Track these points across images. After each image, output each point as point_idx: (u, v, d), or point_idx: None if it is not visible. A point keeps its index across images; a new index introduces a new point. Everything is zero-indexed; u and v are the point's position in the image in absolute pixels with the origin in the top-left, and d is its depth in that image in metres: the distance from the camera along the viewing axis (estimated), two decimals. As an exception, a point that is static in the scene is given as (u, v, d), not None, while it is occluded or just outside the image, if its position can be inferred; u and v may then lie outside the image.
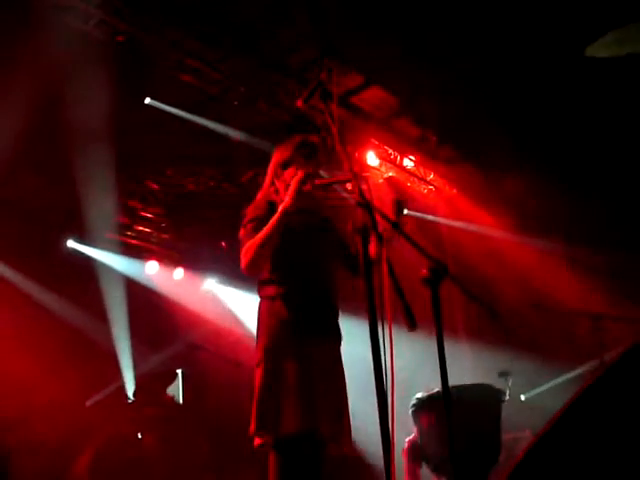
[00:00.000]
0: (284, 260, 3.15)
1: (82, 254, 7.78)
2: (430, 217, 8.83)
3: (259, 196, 3.36)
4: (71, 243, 7.76)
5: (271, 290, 3.15)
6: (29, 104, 5.51)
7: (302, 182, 3.02)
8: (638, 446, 1.63)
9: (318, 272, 3.21)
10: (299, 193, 3.01)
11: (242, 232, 3.23)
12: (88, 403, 6.15)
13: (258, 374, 3.06)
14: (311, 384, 2.99)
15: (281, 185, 3.26)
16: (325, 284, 3.23)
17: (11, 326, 6.47)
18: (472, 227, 8.48)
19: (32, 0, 5.04)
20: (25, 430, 5.63)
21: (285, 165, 3.26)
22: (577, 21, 5.50)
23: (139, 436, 5.95)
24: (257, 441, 3.01)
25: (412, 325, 2.24)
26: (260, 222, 3.12)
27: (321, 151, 3.33)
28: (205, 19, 5.71)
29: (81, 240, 7.78)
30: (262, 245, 3.03)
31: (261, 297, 3.22)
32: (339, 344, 3.25)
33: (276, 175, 3.28)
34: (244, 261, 3.09)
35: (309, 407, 2.93)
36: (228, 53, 6.13)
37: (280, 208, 3.04)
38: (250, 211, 3.26)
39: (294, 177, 3.08)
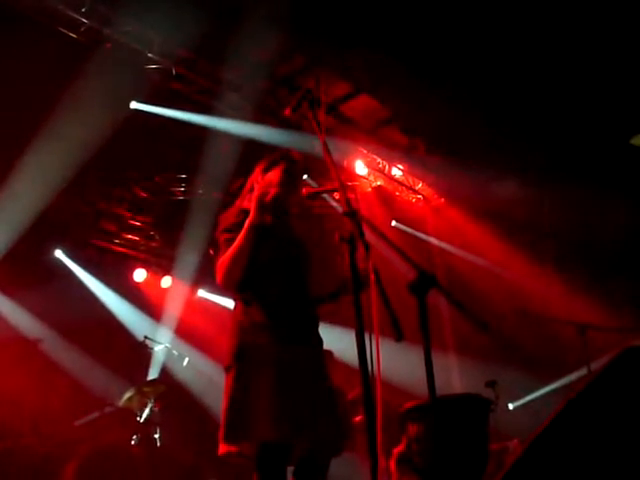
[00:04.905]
0: (260, 268, 3.04)
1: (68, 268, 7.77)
2: (418, 233, 8.87)
3: (237, 203, 3.26)
4: (58, 254, 7.72)
5: (247, 294, 3.06)
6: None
7: (262, 196, 2.98)
8: (629, 451, 1.63)
9: (295, 280, 3.13)
10: (262, 206, 2.97)
11: (218, 239, 3.14)
12: (77, 423, 6.06)
13: (229, 378, 2.91)
14: (289, 390, 2.82)
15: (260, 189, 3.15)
16: (303, 292, 3.17)
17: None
18: (460, 238, 8.49)
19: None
20: (14, 440, 5.57)
21: (266, 169, 3.18)
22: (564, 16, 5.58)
23: (133, 440, 5.90)
24: (223, 449, 2.84)
25: (399, 336, 2.23)
26: (232, 232, 3.04)
27: (303, 168, 3.29)
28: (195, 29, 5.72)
29: (67, 253, 7.77)
30: (233, 262, 2.97)
31: (235, 300, 3.13)
32: (320, 349, 3.14)
33: (257, 181, 3.19)
34: (218, 277, 3.03)
35: (285, 414, 2.77)
36: (216, 62, 6.14)
37: (246, 224, 2.97)
38: (223, 219, 3.18)
39: (254, 192, 3.03)
